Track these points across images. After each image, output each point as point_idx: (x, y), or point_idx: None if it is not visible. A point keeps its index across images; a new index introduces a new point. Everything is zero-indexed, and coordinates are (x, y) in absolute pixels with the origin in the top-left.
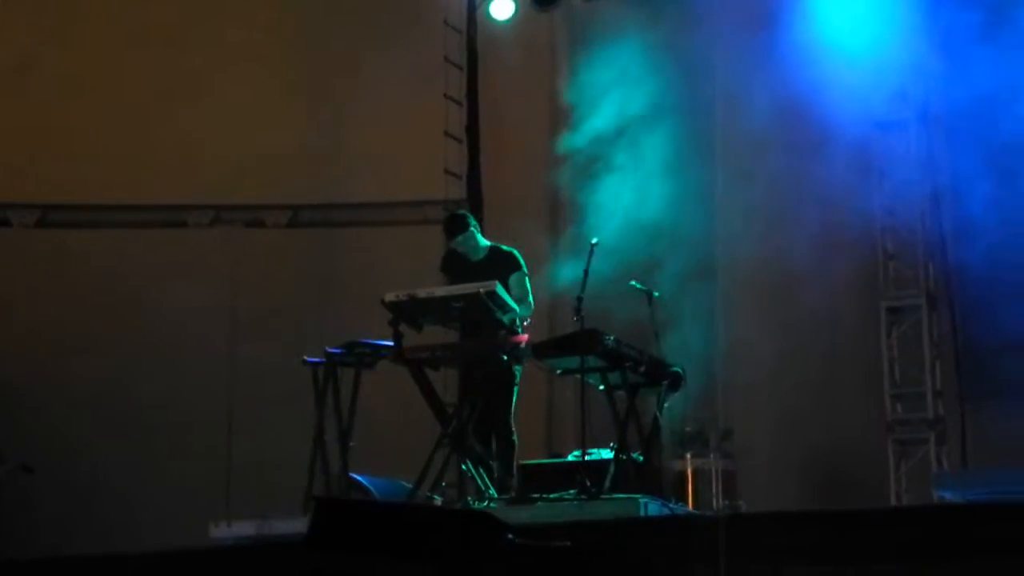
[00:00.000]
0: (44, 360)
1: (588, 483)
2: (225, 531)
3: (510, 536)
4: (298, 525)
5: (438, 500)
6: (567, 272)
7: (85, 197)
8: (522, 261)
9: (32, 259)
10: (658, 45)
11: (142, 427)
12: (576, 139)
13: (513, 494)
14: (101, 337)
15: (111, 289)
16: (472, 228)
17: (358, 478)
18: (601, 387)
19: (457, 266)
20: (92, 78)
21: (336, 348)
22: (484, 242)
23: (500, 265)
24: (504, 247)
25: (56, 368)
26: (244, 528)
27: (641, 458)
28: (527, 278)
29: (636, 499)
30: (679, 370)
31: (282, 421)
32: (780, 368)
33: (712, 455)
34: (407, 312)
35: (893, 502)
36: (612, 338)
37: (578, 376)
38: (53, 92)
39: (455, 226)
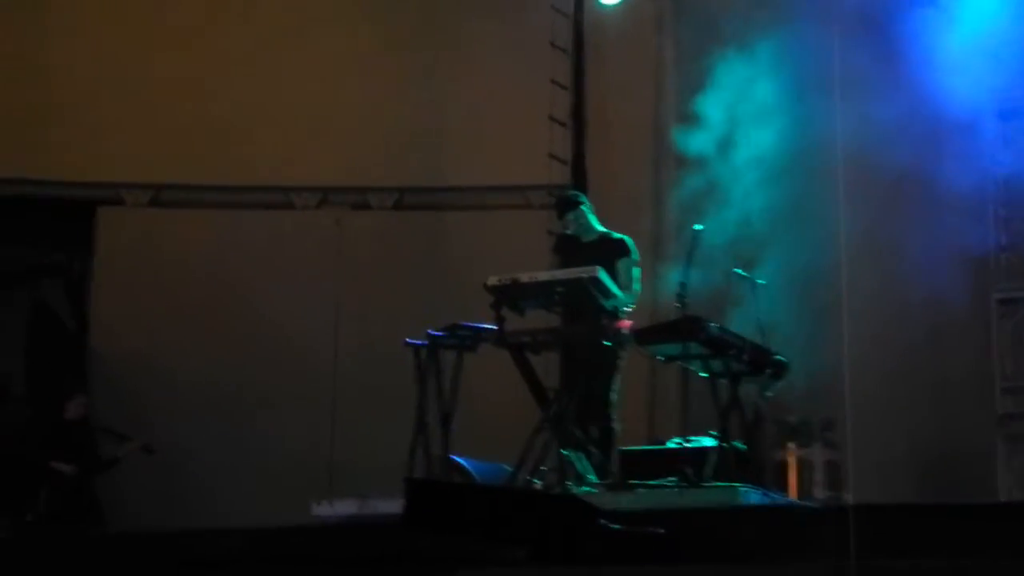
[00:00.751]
0: (153, 337)
1: (689, 471)
2: (327, 509)
3: (602, 521)
4: (399, 505)
5: (538, 484)
6: (671, 259)
7: (196, 177)
8: (633, 248)
9: (145, 238)
10: (770, 30)
11: (248, 405)
12: (684, 128)
13: (612, 480)
14: (209, 315)
15: (220, 268)
16: (584, 208)
17: (459, 460)
18: (703, 375)
19: (568, 248)
20: (203, 60)
21: (438, 331)
22: (597, 225)
23: (610, 250)
24: (616, 234)
25: (165, 345)
26: (345, 507)
27: (743, 447)
28: (635, 267)
29: (737, 488)
30: (783, 359)
31: (385, 402)
32: (887, 359)
33: (815, 445)
34: (509, 296)
35: (1002, 497)
36: (715, 325)
37: (680, 363)
38: (165, 73)
39: (566, 205)
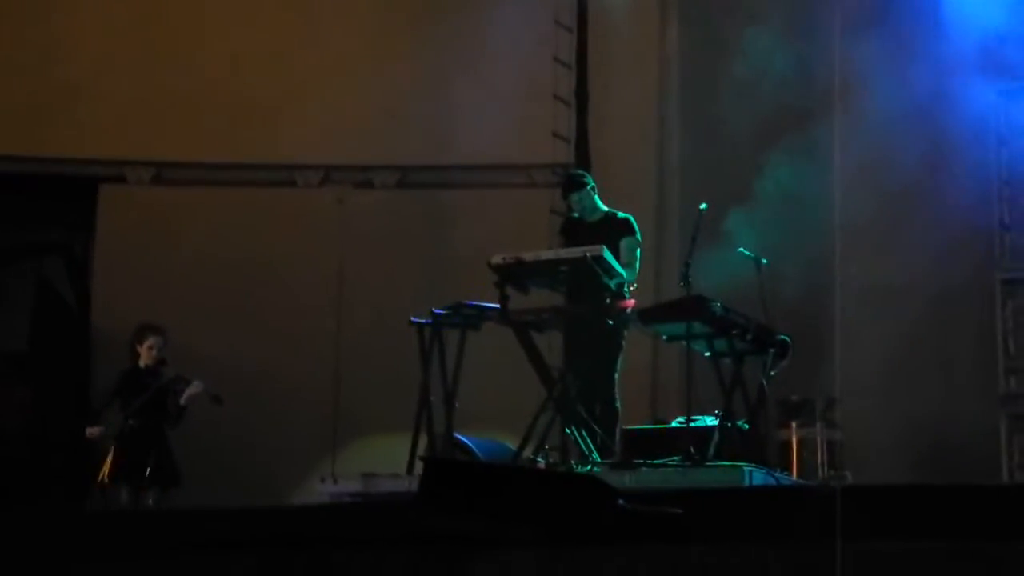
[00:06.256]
0: (155, 316)
1: (692, 450)
2: (331, 488)
3: (620, 501)
4: (403, 484)
5: (541, 463)
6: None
7: (199, 155)
8: (636, 228)
9: (146, 216)
10: (770, 12)
11: (250, 384)
12: (686, 107)
13: (616, 459)
14: (210, 294)
15: (221, 246)
16: (589, 188)
17: (462, 439)
18: (707, 354)
19: (574, 230)
20: (205, 35)
21: (442, 309)
22: (601, 205)
23: (614, 230)
24: (620, 213)
25: (166, 324)
26: (350, 485)
27: (746, 426)
28: (638, 247)
29: (741, 467)
30: (786, 338)
31: (388, 381)
32: (889, 339)
33: (818, 424)
34: (513, 275)
35: (1005, 478)
36: (719, 304)
37: (684, 342)
38: (167, 49)
39: (571, 185)
